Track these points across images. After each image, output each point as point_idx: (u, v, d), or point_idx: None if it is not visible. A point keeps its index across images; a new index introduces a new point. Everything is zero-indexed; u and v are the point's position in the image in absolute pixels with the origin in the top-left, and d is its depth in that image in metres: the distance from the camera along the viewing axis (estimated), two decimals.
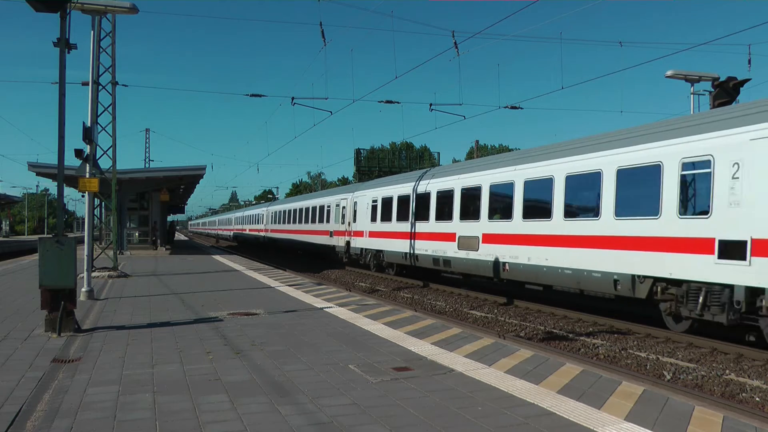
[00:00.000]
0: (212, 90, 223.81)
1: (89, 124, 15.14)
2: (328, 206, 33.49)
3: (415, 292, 20.07)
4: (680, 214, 11.50)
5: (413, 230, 22.38)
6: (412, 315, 11.38)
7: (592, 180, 13.72)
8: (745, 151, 10.28)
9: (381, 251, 25.64)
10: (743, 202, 10.25)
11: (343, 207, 30.79)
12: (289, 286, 16.33)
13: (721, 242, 10.59)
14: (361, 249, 27.82)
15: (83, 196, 16.93)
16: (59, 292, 8.78)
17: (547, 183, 15.19)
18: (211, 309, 11.57)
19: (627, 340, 11.98)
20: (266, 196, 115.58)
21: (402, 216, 23.46)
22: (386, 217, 24.90)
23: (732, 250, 10.37)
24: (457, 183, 19.66)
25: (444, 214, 20.25)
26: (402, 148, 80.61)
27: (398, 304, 16.33)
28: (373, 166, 55.22)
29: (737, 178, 10.40)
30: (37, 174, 29.66)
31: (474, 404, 5.60)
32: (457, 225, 19.31)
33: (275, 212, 50.29)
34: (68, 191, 57.05)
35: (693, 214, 11.27)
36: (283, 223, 45.87)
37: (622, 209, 12.87)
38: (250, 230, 62.08)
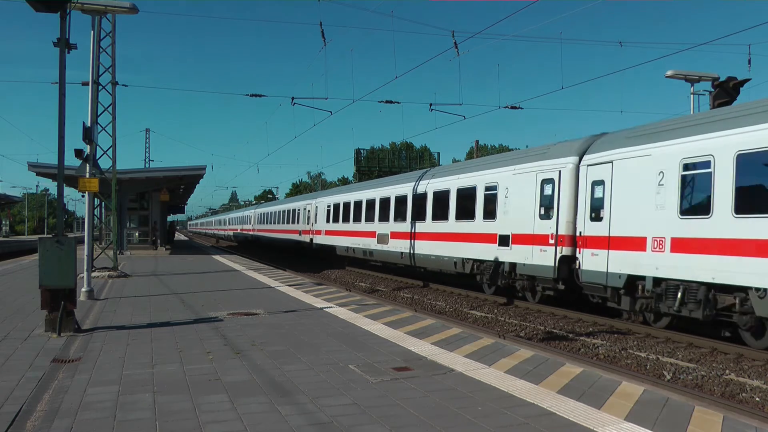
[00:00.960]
0: (212, 90, 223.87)
1: (89, 124, 15.14)
2: (298, 210, 39.78)
3: (415, 292, 20.09)
4: (484, 219, 17.80)
5: (351, 230, 29.03)
6: (412, 315, 11.38)
7: (446, 195, 20.16)
8: (509, 181, 16.72)
9: (333, 246, 31.56)
10: (508, 212, 16.59)
11: (308, 210, 36.87)
12: (289, 286, 16.34)
13: (499, 236, 16.94)
14: (320, 245, 34.01)
15: (83, 196, 16.93)
16: (59, 292, 8.78)
17: (424, 196, 21.69)
18: (211, 309, 11.57)
19: (627, 340, 11.98)
20: (266, 196, 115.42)
21: (345, 218, 29.99)
22: (335, 219, 31.49)
23: (503, 240, 16.73)
24: (376, 194, 26.08)
25: (369, 217, 26.64)
26: (402, 148, 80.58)
27: (398, 304, 16.35)
28: (373, 166, 55.40)
29: (507, 197, 16.74)
30: (37, 174, 29.66)
31: (474, 404, 5.60)
32: (376, 225, 25.79)
33: (260, 214, 57.60)
34: (68, 191, 57.03)
35: (489, 219, 17.52)
36: (266, 223, 52.60)
37: (459, 215, 19.24)
38: (241, 230, 69.54)
